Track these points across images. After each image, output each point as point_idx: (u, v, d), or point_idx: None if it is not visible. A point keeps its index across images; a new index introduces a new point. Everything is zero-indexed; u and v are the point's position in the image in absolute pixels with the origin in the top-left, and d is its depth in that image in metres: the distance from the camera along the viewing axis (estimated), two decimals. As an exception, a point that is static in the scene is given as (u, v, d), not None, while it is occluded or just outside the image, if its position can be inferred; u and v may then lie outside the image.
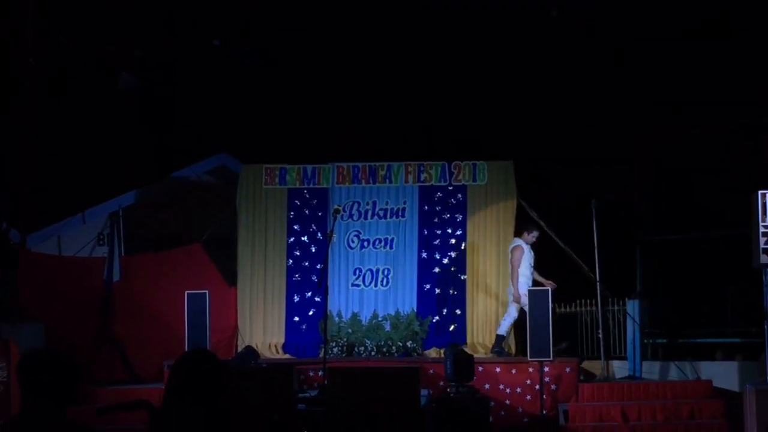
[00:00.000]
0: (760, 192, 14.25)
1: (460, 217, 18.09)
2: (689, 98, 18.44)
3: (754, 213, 14.24)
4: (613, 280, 18.08)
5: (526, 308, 16.00)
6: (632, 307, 17.49)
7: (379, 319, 17.83)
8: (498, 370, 15.91)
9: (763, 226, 14.14)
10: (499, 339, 17.05)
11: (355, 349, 17.48)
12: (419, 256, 18.08)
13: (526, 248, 16.90)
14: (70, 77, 19.45)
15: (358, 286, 18.12)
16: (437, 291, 17.95)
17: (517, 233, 17.40)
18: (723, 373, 16.32)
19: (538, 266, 17.03)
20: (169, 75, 19.58)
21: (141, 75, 19.18)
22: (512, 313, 16.98)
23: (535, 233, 17.16)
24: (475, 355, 16.24)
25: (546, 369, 15.41)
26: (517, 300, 16.74)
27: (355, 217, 18.22)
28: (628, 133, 18.85)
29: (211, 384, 4.89)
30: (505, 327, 17.08)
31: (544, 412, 15.21)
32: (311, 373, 15.60)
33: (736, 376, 16.24)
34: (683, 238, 18.11)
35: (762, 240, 14.18)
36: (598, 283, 17.56)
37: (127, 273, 17.48)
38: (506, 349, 17.06)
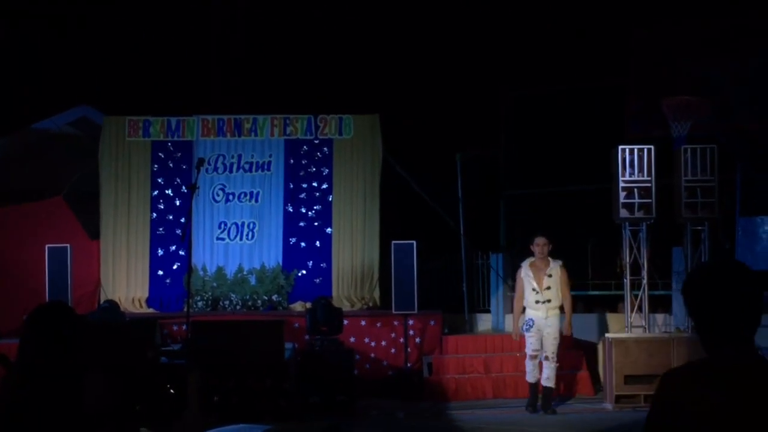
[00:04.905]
0: (620, 147, 14.50)
1: (326, 171, 18.05)
2: (554, 56, 18.66)
3: (615, 168, 14.50)
4: (478, 234, 18.30)
5: (528, 343, 13.70)
6: (496, 260, 17.71)
7: (245, 272, 17.75)
8: (363, 323, 15.96)
9: (623, 181, 14.40)
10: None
11: (220, 303, 17.41)
12: (285, 209, 18.01)
13: (526, 271, 13.75)
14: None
15: (223, 239, 18.00)
16: (303, 245, 17.93)
17: None
18: (583, 325, 16.64)
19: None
20: (29, 25, 19.07)
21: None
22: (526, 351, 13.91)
23: (538, 240, 13.69)
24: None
25: (410, 322, 15.52)
26: (517, 336, 13.97)
27: (220, 171, 18.06)
28: (494, 88, 19.01)
29: (63, 337, 4.80)
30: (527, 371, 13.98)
31: (409, 364, 15.35)
32: (175, 328, 15.48)
33: (595, 327, 16.58)
34: (546, 192, 18.38)
35: (622, 194, 14.45)
36: (462, 237, 17.75)
37: (-15, 226, 17.07)
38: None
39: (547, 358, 13.53)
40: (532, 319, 13.52)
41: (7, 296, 16.56)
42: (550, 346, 13.50)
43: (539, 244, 13.60)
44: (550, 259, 13.69)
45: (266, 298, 17.42)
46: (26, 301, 15.73)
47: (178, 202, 17.99)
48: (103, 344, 10.96)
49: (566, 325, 13.68)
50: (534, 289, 13.55)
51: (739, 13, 16.69)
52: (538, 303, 13.51)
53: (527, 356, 13.68)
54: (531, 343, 13.61)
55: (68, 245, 15.94)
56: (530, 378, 13.68)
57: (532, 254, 13.75)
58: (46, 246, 15.87)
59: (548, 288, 13.54)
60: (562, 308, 13.62)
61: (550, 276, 13.57)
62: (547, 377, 13.59)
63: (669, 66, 16.73)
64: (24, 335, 4.87)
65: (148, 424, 10.51)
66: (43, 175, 18.35)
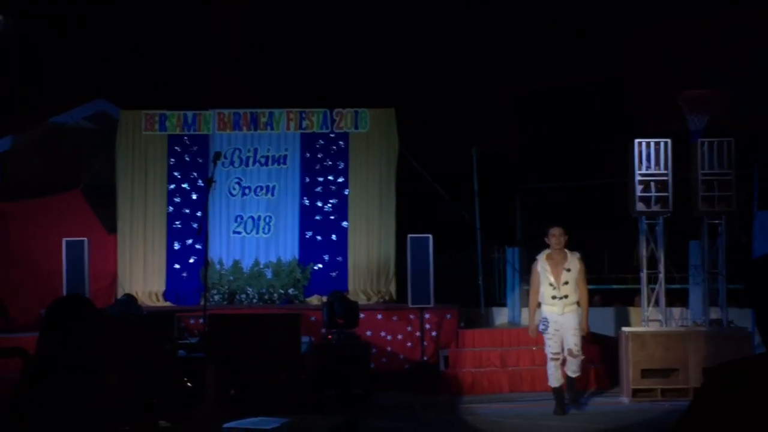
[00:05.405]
0: (637, 141, 14.44)
1: (342, 165, 18.08)
2: (568, 50, 18.63)
3: (631, 161, 14.44)
4: (494, 228, 18.28)
5: (548, 345, 12.97)
6: (512, 254, 17.69)
7: (261, 266, 17.79)
8: (380, 317, 15.96)
9: (640, 174, 14.34)
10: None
11: (237, 296, 17.45)
12: (301, 203, 18.05)
13: (542, 265, 12.91)
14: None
15: (239, 233, 18.04)
16: (319, 238, 17.96)
17: None
18: (600, 319, 16.60)
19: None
20: (47, 19, 19.10)
21: (17, 18, 18.70)
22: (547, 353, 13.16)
23: (554, 230, 12.87)
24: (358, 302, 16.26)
25: (427, 316, 15.50)
26: (533, 332, 13.17)
27: (236, 164, 18.10)
28: (509, 82, 18.98)
29: (81, 330, 4.81)
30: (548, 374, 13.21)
31: (425, 358, 15.33)
32: (192, 321, 15.49)
33: (612, 321, 16.56)
34: (562, 186, 18.35)
35: (638, 188, 14.39)
36: (478, 231, 17.73)
37: (3, 220, 17.13)
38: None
39: (571, 352, 12.81)
40: (547, 319, 12.74)
41: (24, 290, 16.62)
42: (572, 339, 12.73)
43: (555, 235, 12.78)
44: (567, 251, 12.91)
45: (282, 291, 17.47)
46: (43, 294, 15.82)
47: (194, 196, 18.04)
48: (120, 338, 10.99)
49: (584, 323, 12.84)
50: (551, 284, 12.73)
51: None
52: (554, 299, 12.72)
53: (548, 358, 12.94)
54: (550, 346, 12.86)
55: (85, 239, 15.98)
56: (553, 382, 12.95)
57: (547, 246, 13.01)
58: (64, 240, 15.91)
59: (566, 283, 12.70)
60: (579, 303, 12.84)
61: (568, 270, 12.76)
62: (573, 370, 12.99)
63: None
64: (42, 328, 4.89)
65: (164, 417, 10.53)
66: (60, 169, 18.39)
